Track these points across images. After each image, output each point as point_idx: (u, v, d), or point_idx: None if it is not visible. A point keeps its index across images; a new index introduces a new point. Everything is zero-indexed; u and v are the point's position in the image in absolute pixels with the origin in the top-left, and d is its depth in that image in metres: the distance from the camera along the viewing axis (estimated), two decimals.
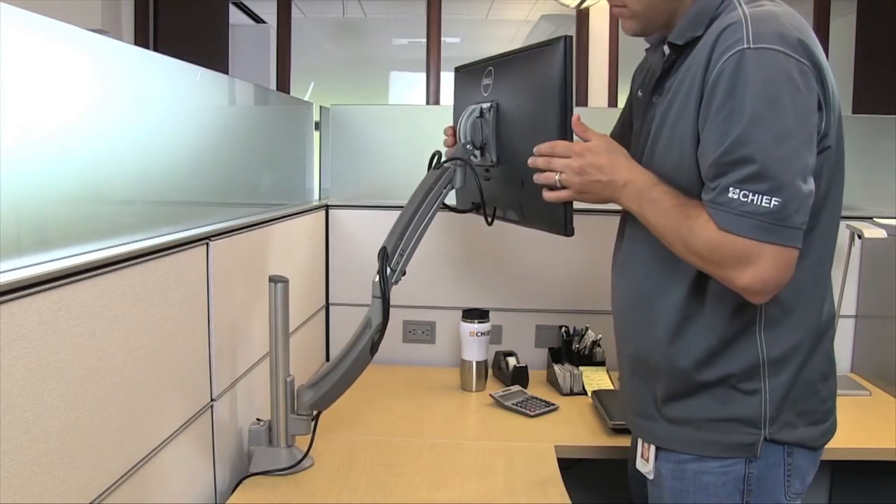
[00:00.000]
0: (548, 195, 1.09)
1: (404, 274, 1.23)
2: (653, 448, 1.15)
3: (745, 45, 0.93)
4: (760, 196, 0.91)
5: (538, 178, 1.10)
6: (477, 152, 1.28)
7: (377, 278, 1.18)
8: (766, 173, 0.91)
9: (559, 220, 1.13)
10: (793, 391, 1.06)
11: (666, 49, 1.08)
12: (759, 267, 0.93)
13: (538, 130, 1.12)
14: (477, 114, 1.27)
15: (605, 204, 1.10)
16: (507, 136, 1.24)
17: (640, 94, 1.20)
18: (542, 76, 1.12)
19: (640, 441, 1.19)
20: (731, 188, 0.92)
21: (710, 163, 0.95)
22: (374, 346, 1.25)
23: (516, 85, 1.22)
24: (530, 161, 1.10)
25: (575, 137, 1.08)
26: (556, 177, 1.07)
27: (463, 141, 1.28)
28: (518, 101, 1.21)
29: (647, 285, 1.13)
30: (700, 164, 0.99)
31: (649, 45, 1.16)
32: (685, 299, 1.07)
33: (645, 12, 1.08)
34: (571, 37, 1.11)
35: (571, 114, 1.08)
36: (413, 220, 1.22)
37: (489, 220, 1.31)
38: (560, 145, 1.07)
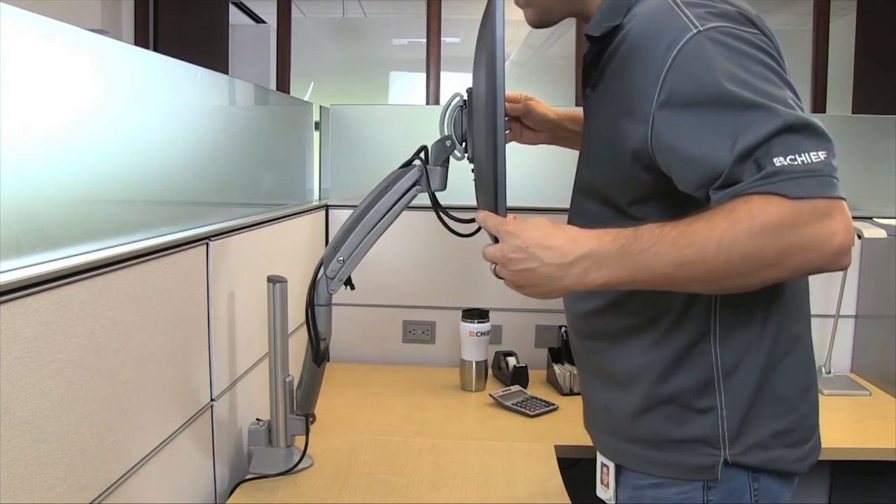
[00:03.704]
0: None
1: (351, 285, 1.19)
2: (612, 474, 1.08)
3: (693, 31, 0.82)
4: (807, 153, 0.76)
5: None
6: (461, 146, 1.12)
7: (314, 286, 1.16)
8: (800, 132, 0.77)
9: (491, 198, 0.95)
10: (758, 408, 0.96)
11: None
12: (842, 216, 0.76)
13: (479, 119, 0.97)
14: (459, 103, 1.12)
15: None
16: (474, 126, 1.07)
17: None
18: (484, 46, 0.94)
19: (599, 465, 1.12)
20: (774, 159, 0.76)
21: (732, 161, 0.78)
22: (316, 357, 1.25)
23: (477, 64, 1.07)
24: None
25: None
26: (493, 267, 0.93)
27: (446, 133, 1.12)
28: (476, 83, 1.06)
29: (592, 298, 1.04)
30: (697, 171, 0.82)
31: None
32: (626, 310, 1.00)
33: (539, 0, 1.02)
34: None
35: (502, 92, 0.87)
36: (357, 226, 1.15)
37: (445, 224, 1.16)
38: (490, 221, 0.91)
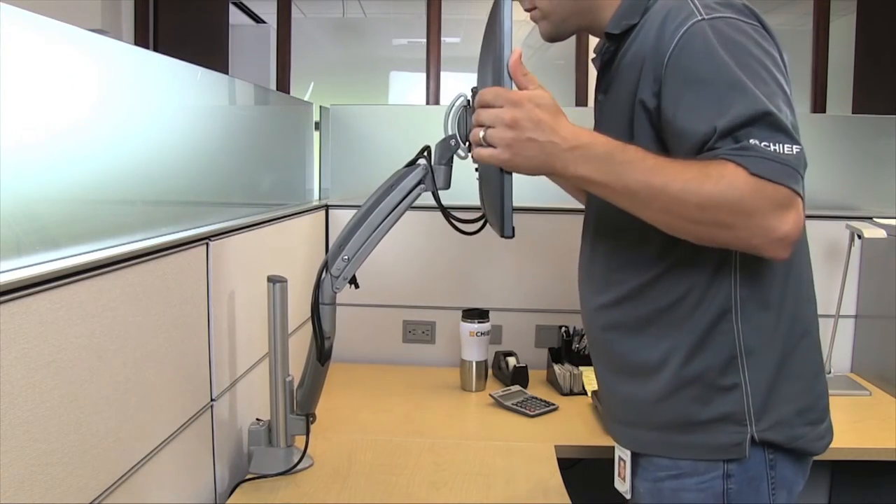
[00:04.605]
0: (475, 152, 0.92)
1: (355, 284, 1.19)
2: (629, 466, 1.09)
3: (698, 17, 0.90)
4: (781, 144, 0.83)
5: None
6: (464, 146, 1.10)
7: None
8: (777, 125, 0.84)
9: (497, 213, 0.95)
10: (780, 385, 1.00)
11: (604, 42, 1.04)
12: (797, 212, 0.84)
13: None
14: (464, 102, 1.10)
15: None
16: None
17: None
18: (490, 41, 0.97)
19: (617, 459, 1.14)
20: (751, 139, 0.83)
21: (715, 138, 0.86)
22: (320, 356, 1.24)
23: (483, 63, 1.08)
24: None
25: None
26: (482, 132, 0.89)
27: (450, 132, 1.11)
28: (482, 82, 1.07)
29: (610, 290, 1.07)
30: (686, 144, 0.89)
31: (595, 54, 1.11)
32: (646, 298, 1.02)
33: (554, 11, 1.05)
34: None
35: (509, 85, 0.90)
36: (362, 224, 1.15)
37: (455, 225, 1.18)
38: (491, 91, 0.90)
